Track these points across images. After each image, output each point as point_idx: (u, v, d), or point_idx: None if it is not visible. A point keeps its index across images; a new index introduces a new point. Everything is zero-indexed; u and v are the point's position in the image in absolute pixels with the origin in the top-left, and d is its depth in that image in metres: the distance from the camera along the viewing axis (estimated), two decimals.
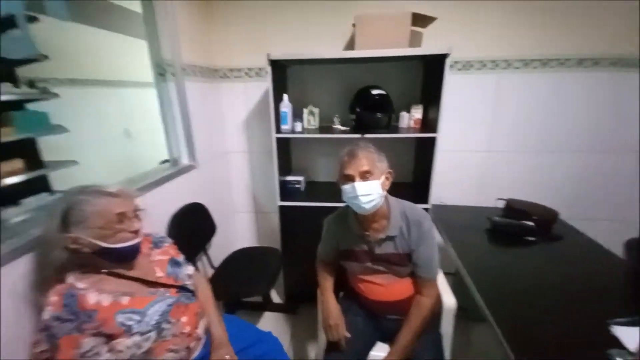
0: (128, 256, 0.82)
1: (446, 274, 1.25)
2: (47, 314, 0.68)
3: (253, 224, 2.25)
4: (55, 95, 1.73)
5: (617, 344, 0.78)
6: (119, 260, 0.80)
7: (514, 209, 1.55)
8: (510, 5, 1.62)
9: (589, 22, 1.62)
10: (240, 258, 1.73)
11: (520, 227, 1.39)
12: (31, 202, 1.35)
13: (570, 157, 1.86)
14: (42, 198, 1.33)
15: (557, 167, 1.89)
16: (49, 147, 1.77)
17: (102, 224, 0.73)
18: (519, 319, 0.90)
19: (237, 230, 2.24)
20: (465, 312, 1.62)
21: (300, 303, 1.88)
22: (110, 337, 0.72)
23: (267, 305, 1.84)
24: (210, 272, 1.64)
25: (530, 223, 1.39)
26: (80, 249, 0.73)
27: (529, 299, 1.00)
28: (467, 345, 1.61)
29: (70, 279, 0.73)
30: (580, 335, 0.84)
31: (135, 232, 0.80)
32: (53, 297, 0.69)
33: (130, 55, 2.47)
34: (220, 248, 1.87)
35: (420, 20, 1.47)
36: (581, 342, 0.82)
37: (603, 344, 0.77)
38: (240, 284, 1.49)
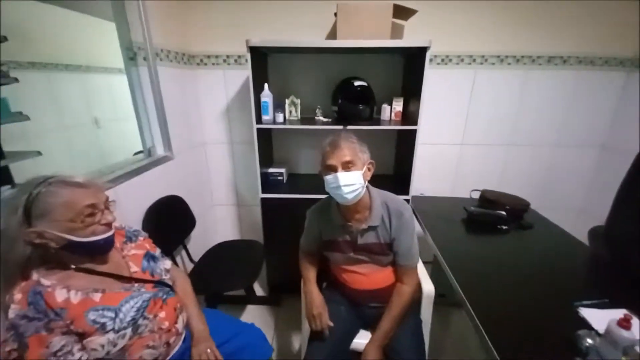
0: (101, 250, 0.77)
1: (425, 262, 1.29)
2: (12, 312, 0.63)
3: (235, 217, 2.20)
4: (15, 79, 1.59)
5: (584, 325, 0.83)
6: (90, 255, 0.76)
7: (488, 200, 1.62)
8: (488, 3, 1.67)
9: (559, 22, 1.70)
10: (221, 251, 1.69)
11: (493, 217, 1.46)
12: None
13: (540, 150, 1.97)
14: (4, 191, 1.23)
15: (528, 160, 1.99)
16: (8, 136, 1.63)
17: (70, 217, 0.68)
18: (493, 303, 0.94)
19: (218, 223, 2.19)
20: (444, 299, 1.69)
21: (283, 295, 1.88)
22: (82, 336, 0.69)
23: (250, 298, 1.83)
24: (190, 266, 1.59)
25: (503, 213, 1.46)
26: (46, 244, 0.68)
27: (502, 283, 1.05)
28: (446, 329, 1.68)
29: (35, 275, 0.68)
30: (550, 317, 0.89)
31: (108, 225, 0.75)
32: (17, 295, 0.64)
33: (99, 39, 2.31)
34: (200, 242, 1.82)
35: (402, 12, 1.48)
36: (551, 323, 0.86)
37: (571, 325, 0.81)
38: (221, 277, 1.46)
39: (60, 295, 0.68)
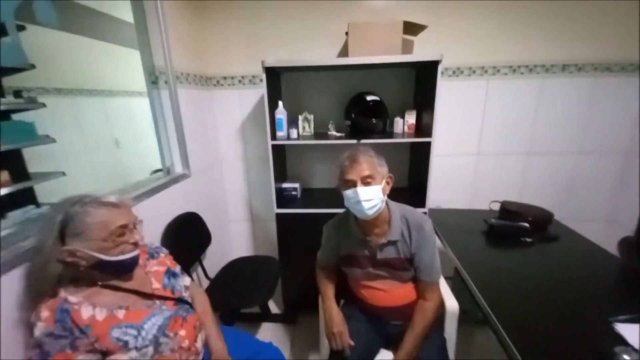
0: (127, 268, 0.79)
1: (445, 278, 1.24)
2: (39, 330, 0.64)
3: (249, 233, 2.21)
4: (42, 105, 1.68)
5: (620, 341, 0.79)
6: (117, 273, 0.77)
7: (509, 211, 1.57)
8: (497, 14, 1.68)
9: (571, 29, 1.69)
10: (236, 268, 1.69)
11: (516, 229, 1.41)
12: (18, 215, 1.30)
13: (560, 159, 1.91)
14: (28, 211, 1.28)
15: (548, 169, 1.93)
16: (35, 157, 1.71)
17: (103, 236, 0.70)
18: (521, 320, 0.89)
19: (233, 239, 2.20)
20: (467, 315, 1.61)
21: (299, 312, 1.84)
22: (105, 354, 0.69)
23: (266, 315, 1.80)
24: (206, 283, 1.59)
25: (526, 224, 1.41)
26: (77, 262, 0.70)
27: (530, 298, 1.00)
28: (470, 347, 1.59)
29: (63, 293, 0.69)
30: (584, 333, 0.84)
31: (135, 244, 0.77)
32: (44, 313, 0.65)
33: (121, 65, 2.45)
34: (215, 258, 1.82)
35: (412, 28, 1.51)
36: (585, 340, 0.82)
37: (607, 341, 0.77)
38: (237, 294, 1.44)
39: (86, 312, 0.68)
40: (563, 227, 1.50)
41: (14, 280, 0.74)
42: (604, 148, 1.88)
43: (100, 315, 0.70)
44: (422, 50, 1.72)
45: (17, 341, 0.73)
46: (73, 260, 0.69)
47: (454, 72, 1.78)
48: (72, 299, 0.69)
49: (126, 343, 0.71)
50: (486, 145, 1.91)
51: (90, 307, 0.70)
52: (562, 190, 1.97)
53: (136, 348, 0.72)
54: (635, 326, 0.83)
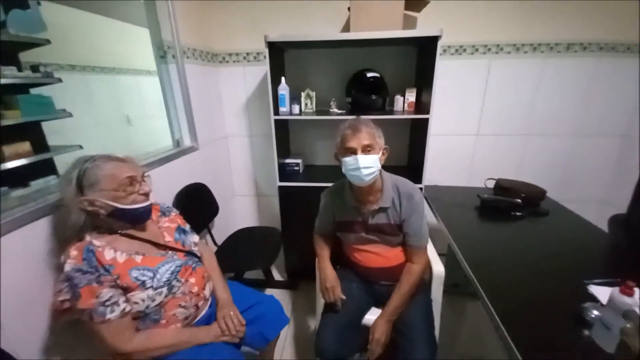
0: (141, 217, 0.88)
1: (440, 254, 1.30)
2: (68, 266, 0.74)
3: (254, 207, 2.32)
4: (58, 79, 1.77)
5: (592, 300, 0.85)
6: (132, 222, 0.87)
7: (503, 188, 1.62)
8: None
9: (578, 8, 1.67)
10: (242, 236, 1.80)
11: (507, 203, 1.46)
12: (40, 184, 1.41)
13: (559, 140, 1.93)
14: (50, 180, 1.39)
15: (546, 150, 1.96)
16: (51, 131, 1.81)
17: (114, 186, 0.80)
18: (505, 286, 0.94)
19: (238, 212, 2.31)
20: (458, 288, 1.70)
21: (300, 280, 1.96)
22: (126, 290, 0.79)
23: (269, 282, 1.92)
24: (214, 249, 1.71)
25: (518, 200, 1.46)
26: (97, 211, 0.79)
27: (515, 268, 1.05)
28: (461, 319, 1.69)
29: (88, 237, 0.80)
30: (560, 296, 0.90)
31: (146, 195, 0.86)
32: (73, 252, 0.76)
33: (131, 43, 2.50)
34: (222, 228, 1.94)
35: (414, 4, 1.52)
36: (561, 301, 0.88)
37: (580, 301, 0.82)
38: (243, 258, 1.56)
39: (108, 254, 0.79)
40: (555, 203, 1.55)
41: (44, 228, 0.86)
42: (602, 130, 1.89)
43: (121, 257, 0.81)
44: (426, 28, 1.73)
45: (46, 278, 0.85)
46: (93, 209, 0.79)
47: (456, 50, 1.79)
48: (96, 242, 0.80)
49: (144, 282, 0.82)
50: (486, 125, 1.93)
51: (112, 250, 0.81)
52: (560, 171, 2.00)
53: (152, 287, 0.83)
54: (608, 289, 0.89)
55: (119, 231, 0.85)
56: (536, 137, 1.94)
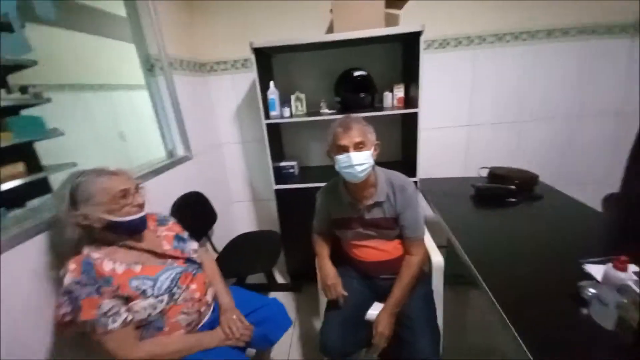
0: (136, 228, 0.89)
1: (439, 247, 1.31)
2: (68, 279, 0.75)
3: (252, 212, 2.32)
4: (48, 100, 1.78)
5: (589, 278, 0.86)
6: (128, 233, 0.88)
7: (497, 176, 1.64)
8: None
9: None
10: (241, 241, 1.81)
11: (501, 190, 1.48)
12: (35, 204, 1.42)
13: (550, 124, 1.96)
14: (45, 200, 1.39)
15: (539, 136, 1.98)
16: (46, 151, 1.82)
17: (107, 200, 0.80)
18: (503, 271, 0.95)
19: (237, 218, 2.32)
20: (461, 279, 1.71)
21: (303, 281, 1.96)
22: (127, 300, 0.80)
23: (272, 285, 1.93)
24: (215, 256, 1.71)
25: (512, 187, 1.48)
26: (92, 224, 0.80)
27: (511, 252, 1.07)
28: (466, 308, 1.70)
29: (86, 250, 0.81)
30: (557, 276, 0.91)
31: (140, 206, 0.87)
32: (71, 265, 0.76)
33: (119, 59, 2.52)
34: (222, 234, 1.95)
35: (395, 2, 1.55)
36: (559, 281, 0.89)
37: (577, 280, 0.83)
38: (243, 263, 1.57)
39: (107, 266, 0.80)
40: (548, 187, 1.57)
41: (41, 244, 0.86)
42: (593, 111, 1.92)
43: (120, 268, 0.82)
44: (408, 24, 1.75)
45: (44, 294, 0.86)
46: (88, 223, 0.79)
47: (440, 44, 1.82)
48: (95, 254, 0.80)
49: (144, 291, 0.82)
50: (477, 115, 1.96)
51: (110, 262, 0.81)
52: (555, 155, 2.02)
53: (153, 295, 0.83)
54: (603, 267, 0.90)
55: (117, 243, 0.85)
56: (527, 123, 1.96)
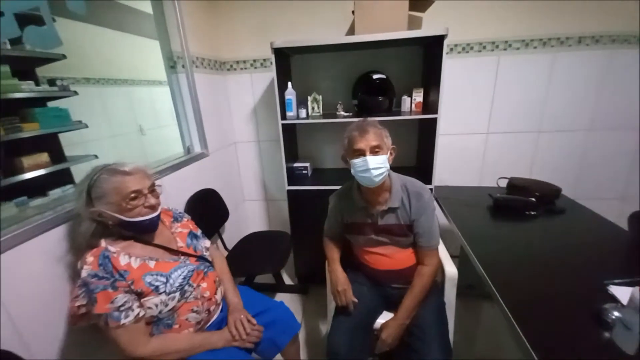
0: (147, 229, 0.89)
1: (452, 256, 1.28)
2: (85, 272, 0.76)
3: (263, 212, 2.33)
4: (74, 92, 1.85)
5: (613, 300, 0.82)
6: (139, 232, 0.89)
7: (516, 187, 1.59)
8: None
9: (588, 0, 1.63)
10: (252, 241, 1.82)
11: (521, 202, 1.43)
12: (57, 193, 1.47)
13: (572, 136, 1.88)
14: (67, 189, 1.44)
15: (560, 147, 1.90)
16: (69, 142, 1.89)
17: (119, 200, 0.81)
18: (521, 288, 0.92)
19: (249, 217, 2.34)
20: (474, 290, 1.66)
21: (311, 284, 1.96)
22: (140, 295, 0.81)
23: (279, 286, 1.93)
24: (225, 254, 1.73)
25: (532, 199, 1.42)
26: (106, 221, 0.82)
27: (531, 268, 1.02)
28: (477, 321, 1.65)
29: (104, 243, 0.82)
30: (579, 297, 0.87)
31: (152, 207, 0.87)
32: (89, 258, 0.78)
33: (143, 55, 2.59)
34: (233, 232, 1.97)
35: (419, 4, 1.52)
36: (580, 303, 0.85)
37: (600, 302, 0.80)
38: (253, 262, 1.58)
39: (123, 260, 0.81)
40: (571, 201, 1.50)
41: (62, 235, 0.89)
42: (618, 124, 1.83)
43: (135, 263, 0.83)
44: (431, 27, 1.72)
45: (62, 284, 0.88)
46: (102, 220, 0.81)
47: (463, 49, 1.77)
48: (112, 248, 0.82)
49: (157, 287, 0.83)
50: (496, 123, 1.90)
51: (126, 256, 0.83)
52: (575, 167, 1.94)
53: (165, 292, 0.84)
54: (629, 289, 0.86)
55: (134, 237, 0.87)
56: (549, 134, 1.89)
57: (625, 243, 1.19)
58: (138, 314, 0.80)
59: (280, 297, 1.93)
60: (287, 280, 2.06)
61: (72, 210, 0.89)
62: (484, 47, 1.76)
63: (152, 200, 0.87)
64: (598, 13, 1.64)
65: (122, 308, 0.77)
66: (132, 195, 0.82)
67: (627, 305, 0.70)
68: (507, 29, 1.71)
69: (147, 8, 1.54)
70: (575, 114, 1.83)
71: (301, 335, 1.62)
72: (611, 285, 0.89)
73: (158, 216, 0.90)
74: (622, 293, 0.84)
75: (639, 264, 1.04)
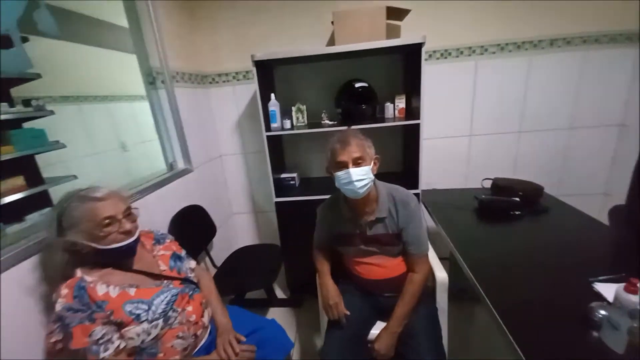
0: (124, 255, 0.85)
1: (442, 259, 1.29)
2: (59, 305, 0.72)
3: (252, 224, 2.30)
4: (51, 112, 1.78)
5: (599, 299, 0.83)
6: (117, 259, 0.85)
7: (501, 187, 1.61)
8: None
9: (557, 3, 1.69)
10: (241, 256, 1.78)
11: (505, 203, 1.45)
12: (35, 217, 1.41)
13: (553, 135, 1.93)
14: (45, 213, 1.38)
15: (541, 146, 1.95)
16: (47, 163, 1.82)
17: (91, 228, 0.77)
18: (509, 289, 0.93)
19: (237, 231, 2.29)
20: (465, 293, 1.66)
21: (304, 296, 1.92)
22: (120, 325, 0.77)
23: (272, 300, 1.89)
24: (213, 271, 1.68)
25: (516, 199, 1.45)
26: (80, 250, 0.78)
27: (518, 268, 1.04)
28: (470, 323, 1.65)
29: (79, 272, 0.78)
30: (566, 295, 0.88)
31: (127, 233, 0.83)
32: (64, 290, 0.74)
33: (122, 70, 2.54)
34: (222, 248, 1.92)
35: (396, 13, 1.54)
36: (567, 301, 0.86)
37: (587, 301, 0.81)
38: (243, 278, 1.54)
39: (101, 290, 0.77)
40: (554, 200, 1.54)
41: (33, 266, 0.84)
42: (596, 122, 1.89)
43: (114, 292, 0.79)
44: (410, 35, 1.75)
45: (36, 317, 0.83)
46: (76, 249, 0.77)
47: (442, 55, 1.81)
48: (88, 277, 0.78)
49: (138, 316, 0.80)
50: (478, 125, 1.94)
51: (104, 285, 0.79)
52: (557, 165, 1.99)
53: (147, 320, 0.80)
54: (613, 285, 0.87)
55: (111, 265, 0.83)
56: (530, 134, 1.93)
57: (606, 238, 1.22)
58: (118, 345, 0.76)
59: (273, 311, 1.89)
60: (280, 293, 2.02)
61: (42, 241, 0.84)
62: (461, 53, 1.80)
63: (127, 226, 0.83)
64: (568, 16, 1.71)
65: (100, 341, 0.74)
66: (105, 222, 0.79)
67: (613, 304, 0.71)
68: (483, 34, 1.76)
69: (124, 22, 1.51)
70: (554, 113, 1.88)
71: (296, 350, 1.58)
72: (596, 283, 0.90)
73: (136, 241, 0.86)
74: (607, 290, 0.86)
75: (620, 259, 1.07)
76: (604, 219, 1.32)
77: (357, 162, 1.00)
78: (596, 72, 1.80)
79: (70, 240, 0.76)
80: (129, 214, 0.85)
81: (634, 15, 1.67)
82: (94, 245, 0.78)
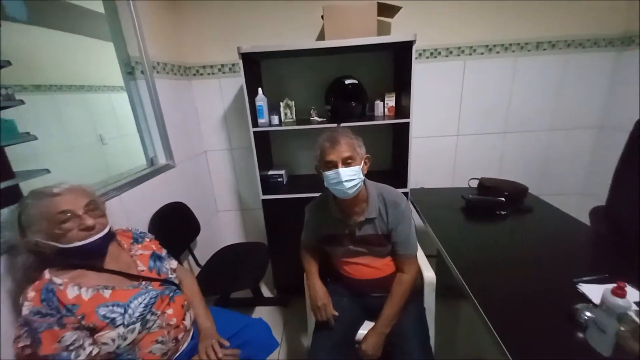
0: (91, 254, 0.79)
1: (428, 256, 1.29)
2: (26, 309, 0.67)
3: (239, 222, 2.24)
4: (20, 102, 1.67)
5: (584, 300, 0.84)
6: (86, 258, 0.78)
7: (487, 187, 1.63)
8: None
9: (544, 6, 1.72)
10: (226, 254, 1.73)
11: (491, 203, 1.47)
12: (4, 213, 1.31)
13: (536, 136, 1.97)
14: (6, 213, 1.29)
15: (525, 146, 1.99)
16: (17, 156, 1.70)
17: (48, 225, 0.71)
18: (494, 288, 0.94)
19: (222, 228, 2.23)
20: (452, 291, 1.68)
21: (290, 295, 1.89)
22: (93, 330, 0.72)
23: (258, 299, 1.85)
24: (197, 270, 1.62)
25: (502, 198, 1.47)
26: (45, 251, 0.72)
27: (503, 267, 1.05)
28: (456, 320, 1.67)
29: (47, 274, 0.72)
30: (551, 295, 0.89)
31: (88, 229, 0.76)
32: (31, 293, 0.68)
33: (98, 59, 2.41)
34: (206, 247, 1.86)
35: (387, 10, 1.53)
36: (552, 301, 0.87)
37: (572, 302, 0.82)
38: (228, 279, 1.49)
39: (71, 292, 0.72)
40: (538, 200, 1.57)
41: (4, 266, 0.77)
42: (577, 124, 1.94)
43: (86, 294, 0.74)
44: (400, 33, 1.74)
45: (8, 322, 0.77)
46: (39, 250, 0.71)
47: (431, 54, 1.81)
48: (57, 280, 0.72)
49: (113, 320, 0.74)
50: (465, 125, 1.96)
51: (75, 287, 0.73)
52: (539, 166, 2.04)
53: (123, 324, 0.75)
54: (598, 286, 0.87)
55: (84, 265, 0.77)
56: (514, 134, 1.97)
57: (588, 238, 1.25)
58: (91, 352, 0.71)
59: (259, 310, 1.85)
60: (266, 293, 1.99)
61: (4, 243, 0.78)
62: (451, 52, 1.81)
63: (88, 221, 0.75)
64: (554, 19, 1.74)
65: (71, 347, 0.68)
66: (61, 217, 0.72)
67: (599, 307, 0.72)
68: (472, 34, 1.77)
69: (100, 7, 1.42)
70: (537, 115, 1.93)
71: (282, 350, 1.56)
72: (580, 284, 0.91)
73: (103, 238, 0.79)
74: (591, 291, 0.87)
75: (603, 260, 1.10)
76: (583, 218, 1.36)
77: (347, 162, 0.98)
78: (577, 75, 1.85)
79: (32, 241, 0.70)
80: (93, 209, 0.78)
81: (617, 18, 1.72)
82: (54, 244, 0.72)
